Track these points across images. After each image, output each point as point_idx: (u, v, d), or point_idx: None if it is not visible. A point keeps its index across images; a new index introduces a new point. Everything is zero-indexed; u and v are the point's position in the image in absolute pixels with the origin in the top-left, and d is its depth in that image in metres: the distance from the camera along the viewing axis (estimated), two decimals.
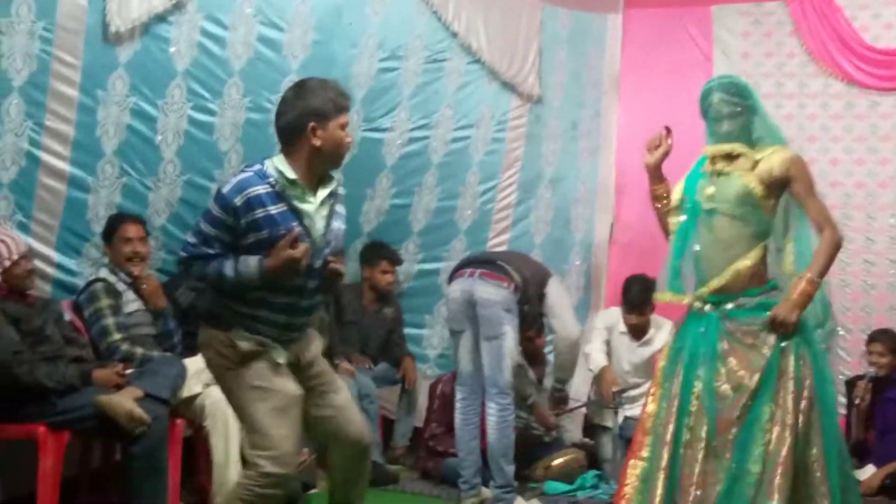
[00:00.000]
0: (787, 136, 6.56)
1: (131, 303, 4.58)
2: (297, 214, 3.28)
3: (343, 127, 3.33)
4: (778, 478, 3.42)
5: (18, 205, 4.49)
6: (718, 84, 3.74)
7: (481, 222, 6.50)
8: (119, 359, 4.36)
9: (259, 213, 3.22)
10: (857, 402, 5.80)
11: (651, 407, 3.72)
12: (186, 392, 4.36)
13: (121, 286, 4.57)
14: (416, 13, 5.93)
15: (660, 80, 6.93)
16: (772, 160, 3.66)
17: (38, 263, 4.48)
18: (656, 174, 3.83)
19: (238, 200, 3.21)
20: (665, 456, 3.57)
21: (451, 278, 5.26)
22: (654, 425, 3.67)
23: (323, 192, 3.35)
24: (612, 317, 5.98)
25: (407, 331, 6.24)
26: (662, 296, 3.82)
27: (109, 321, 4.44)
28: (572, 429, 6.23)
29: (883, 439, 5.82)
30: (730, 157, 3.69)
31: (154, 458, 4.04)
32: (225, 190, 3.26)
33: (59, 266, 4.67)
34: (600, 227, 7.14)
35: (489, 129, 6.41)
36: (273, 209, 3.23)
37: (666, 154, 3.80)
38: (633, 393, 5.71)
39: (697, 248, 3.68)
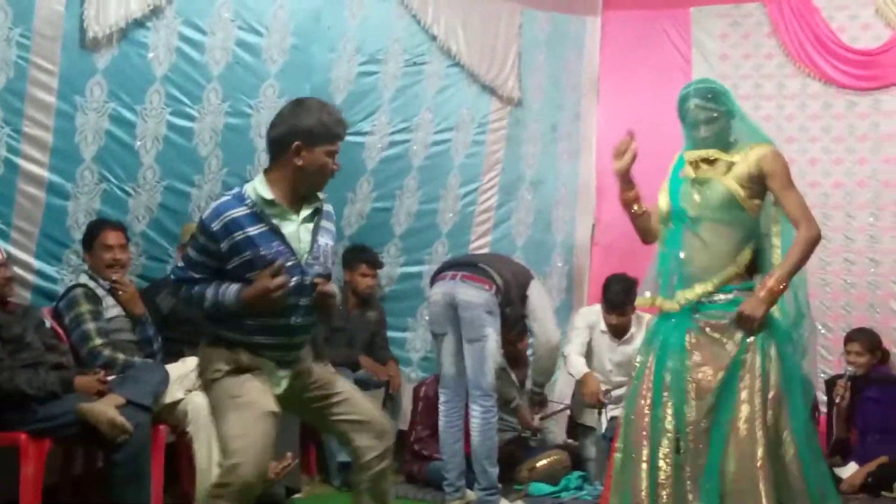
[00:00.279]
0: (758, 129, 6.64)
1: (111, 308, 4.56)
2: (278, 234, 3.27)
3: (331, 154, 3.32)
4: (762, 483, 3.42)
5: None
6: (695, 90, 3.73)
7: (463, 225, 6.51)
8: (101, 364, 4.34)
9: (238, 235, 3.23)
10: (836, 400, 5.83)
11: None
12: (169, 398, 4.35)
13: (100, 291, 4.55)
14: (395, 17, 5.93)
15: (639, 82, 6.95)
16: (748, 159, 3.65)
17: (18, 270, 4.47)
18: (626, 180, 3.78)
19: (216, 225, 3.23)
20: (644, 450, 3.58)
21: (432, 281, 5.26)
22: (626, 418, 3.69)
23: (307, 210, 3.34)
24: (592, 315, 5.97)
25: (390, 334, 6.23)
26: (645, 301, 3.82)
27: (90, 326, 4.43)
28: (556, 430, 6.24)
29: (864, 438, 5.86)
30: (709, 162, 3.70)
31: (136, 465, 4.03)
32: (205, 216, 3.29)
33: (38, 273, 4.66)
34: (581, 229, 7.15)
35: (469, 131, 6.41)
36: (252, 230, 3.23)
37: (633, 159, 3.75)
38: (617, 392, 5.71)
39: (683, 255, 3.68)
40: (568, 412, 6.29)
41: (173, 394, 4.35)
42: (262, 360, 3.31)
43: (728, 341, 3.58)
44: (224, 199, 3.31)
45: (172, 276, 3.41)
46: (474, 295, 4.99)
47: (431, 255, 6.35)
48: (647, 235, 3.90)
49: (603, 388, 5.68)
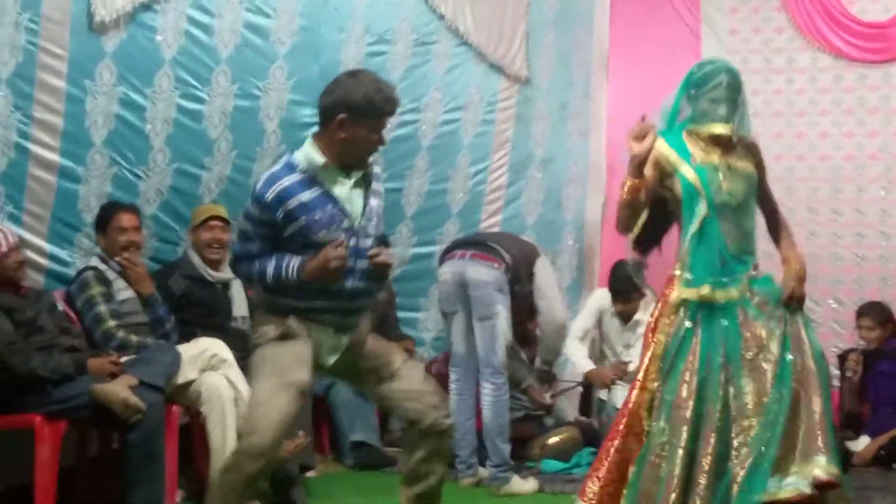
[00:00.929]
0: (776, 111, 6.64)
1: (122, 290, 4.57)
2: (331, 197, 3.32)
3: (374, 129, 3.34)
4: (820, 433, 3.48)
5: (9, 196, 4.48)
6: (728, 69, 3.72)
7: (473, 204, 6.51)
8: (115, 346, 4.37)
9: (292, 203, 3.27)
10: (848, 374, 5.84)
11: (653, 385, 3.69)
12: (181, 379, 4.37)
13: (111, 274, 4.56)
14: None
15: (648, 59, 6.94)
16: (750, 148, 3.76)
17: (30, 254, 4.48)
18: (641, 166, 3.64)
19: (269, 196, 3.27)
20: (684, 436, 3.56)
21: (441, 260, 5.28)
22: (664, 404, 3.64)
23: (357, 173, 3.39)
24: (604, 300, 5.97)
25: (402, 314, 6.25)
26: (696, 291, 3.69)
27: (102, 308, 4.45)
28: (567, 407, 6.26)
29: (876, 411, 5.87)
30: (717, 143, 3.69)
31: (150, 446, 4.05)
32: (257, 188, 3.32)
33: (51, 256, 4.67)
34: (592, 207, 7.16)
35: (478, 111, 6.41)
36: (305, 196, 3.28)
37: (652, 144, 3.64)
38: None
39: (724, 242, 3.68)
40: (580, 389, 6.31)
41: (186, 374, 4.37)
42: (318, 325, 3.36)
43: (772, 317, 3.62)
44: (274, 169, 3.35)
45: (232, 253, 3.51)
46: (484, 273, 5.00)
47: (442, 234, 6.35)
48: (629, 225, 3.79)
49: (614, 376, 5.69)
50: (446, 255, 5.26)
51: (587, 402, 6.27)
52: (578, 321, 5.98)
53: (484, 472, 5.11)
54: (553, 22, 6.77)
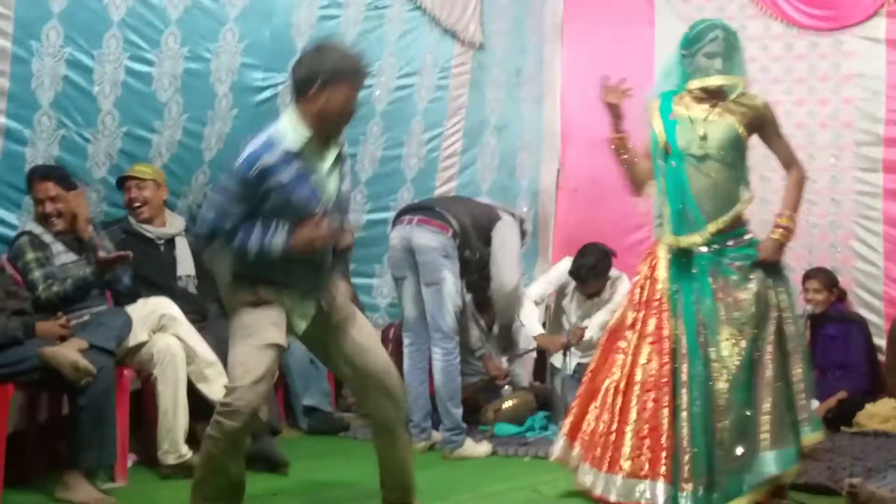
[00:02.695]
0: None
1: (62, 254, 4.44)
2: (309, 179, 3.36)
3: (352, 93, 3.38)
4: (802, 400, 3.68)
5: None
6: (723, 25, 3.86)
7: (428, 171, 6.51)
8: (51, 307, 4.27)
9: (272, 182, 3.31)
10: None
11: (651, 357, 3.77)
12: (132, 341, 4.35)
13: (48, 237, 4.42)
14: None
15: (602, 26, 6.96)
16: (744, 104, 3.83)
17: None
18: (617, 114, 3.85)
19: (252, 174, 3.30)
20: (665, 397, 3.64)
21: (392, 226, 5.28)
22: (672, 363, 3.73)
23: (332, 155, 3.43)
24: (565, 275, 5.94)
25: (356, 280, 6.24)
26: (666, 238, 3.85)
27: (37, 275, 4.33)
28: (522, 372, 6.29)
29: (825, 375, 5.95)
30: (706, 99, 3.74)
31: (101, 409, 4.03)
32: (238, 165, 3.34)
33: None
34: (546, 174, 7.18)
35: (433, 76, 6.39)
36: (285, 176, 3.32)
37: (625, 95, 3.83)
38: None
39: (692, 193, 3.74)
40: (535, 354, 6.34)
41: (137, 336, 4.35)
42: (286, 292, 3.42)
43: (748, 281, 3.72)
44: (255, 146, 3.35)
45: (203, 229, 3.43)
46: (430, 238, 5.01)
47: (397, 201, 6.34)
48: (639, 186, 3.97)
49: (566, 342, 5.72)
50: (396, 220, 5.27)
51: (541, 367, 6.30)
52: (538, 286, 5.98)
53: (438, 435, 5.13)
54: None
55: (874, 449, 5.05)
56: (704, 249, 3.78)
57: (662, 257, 3.84)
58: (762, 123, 3.86)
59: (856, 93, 6.45)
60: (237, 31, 5.26)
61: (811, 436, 3.77)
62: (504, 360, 6.03)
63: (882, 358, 6.02)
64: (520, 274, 5.40)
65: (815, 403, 5.67)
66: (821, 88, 6.56)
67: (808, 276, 6.04)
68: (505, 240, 5.29)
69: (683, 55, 3.85)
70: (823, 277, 6.00)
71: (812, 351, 5.92)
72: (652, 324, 3.78)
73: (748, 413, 3.65)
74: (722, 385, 3.66)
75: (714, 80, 3.78)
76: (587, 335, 5.65)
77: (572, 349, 5.69)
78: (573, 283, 5.83)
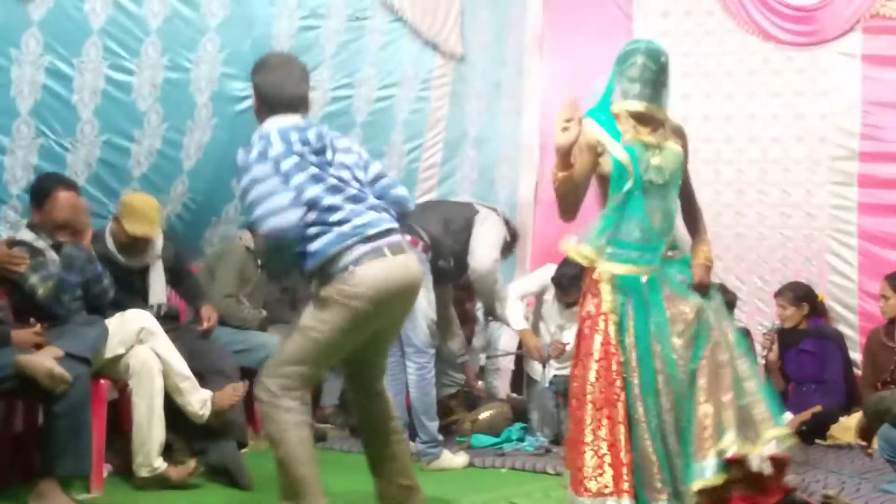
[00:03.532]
0: (706, 93, 6.74)
1: (55, 262, 4.39)
2: None
3: None
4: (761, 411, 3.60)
5: None
6: (647, 49, 3.72)
7: (407, 182, 6.49)
8: (55, 305, 4.26)
9: None
10: (763, 353, 5.96)
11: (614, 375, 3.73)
12: (109, 353, 4.33)
13: (41, 244, 4.39)
14: None
15: (581, 39, 7.00)
16: (677, 130, 3.81)
17: None
18: (568, 158, 3.56)
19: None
20: (620, 413, 3.64)
21: None
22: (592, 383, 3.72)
23: None
24: (547, 281, 5.97)
25: None
26: (620, 268, 3.74)
27: (34, 280, 4.26)
28: (498, 384, 6.31)
29: (800, 388, 5.99)
30: (644, 123, 3.74)
31: (76, 418, 4.00)
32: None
33: None
34: (525, 187, 7.21)
35: (413, 87, 6.42)
36: None
37: (578, 136, 3.53)
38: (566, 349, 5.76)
39: (648, 222, 3.73)
40: (513, 366, 6.36)
41: (114, 349, 4.34)
42: None
43: (693, 295, 3.71)
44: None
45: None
46: None
47: None
48: (571, 211, 3.75)
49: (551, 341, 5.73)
50: None
51: (519, 378, 6.32)
52: (521, 284, 5.98)
53: (413, 447, 5.13)
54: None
55: (848, 462, 5.08)
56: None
57: (606, 277, 3.78)
58: (686, 149, 3.83)
59: (831, 107, 6.52)
60: (217, 40, 5.26)
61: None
62: (483, 357, 6.03)
63: (858, 372, 6.04)
64: (495, 256, 5.38)
65: (788, 416, 5.75)
66: (797, 103, 6.62)
67: (778, 293, 6.09)
68: (482, 228, 5.32)
69: (615, 74, 3.81)
70: (791, 293, 6.04)
71: (784, 365, 6.02)
72: (597, 340, 3.74)
73: (689, 425, 3.64)
74: (667, 398, 3.65)
75: (630, 106, 3.73)
76: (568, 349, 5.67)
77: (550, 361, 5.71)
78: (553, 291, 5.86)
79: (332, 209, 3.36)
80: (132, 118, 5.05)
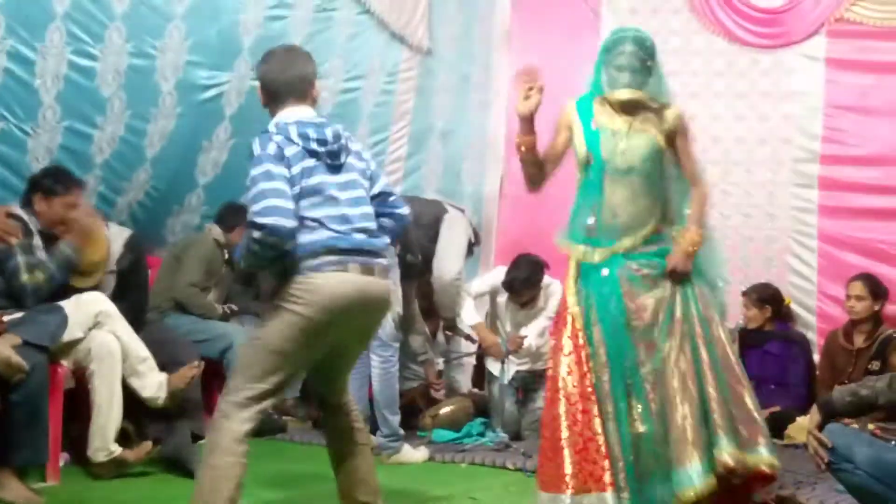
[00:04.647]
0: (670, 92, 6.74)
1: (39, 250, 4.35)
2: None
3: None
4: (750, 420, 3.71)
5: None
6: (634, 37, 3.78)
7: None
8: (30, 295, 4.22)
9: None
10: None
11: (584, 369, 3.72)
12: (67, 336, 4.28)
13: (33, 226, 4.36)
14: None
15: (549, 35, 7.01)
16: (666, 116, 3.81)
17: None
18: (529, 122, 3.73)
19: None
20: (594, 407, 3.65)
21: None
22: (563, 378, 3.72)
23: None
24: (498, 285, 5.97)
25: None
26: (572, 249, 3.82)
27: (20, 260, 4.23)
28: (461, 379, 6.31)
29: (760, 388, 6.01)
30: (628, 111, 3.75)
31: (33, 407, 3.96)
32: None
33: None
34: (490, 181, 7.21)
35: (379, 80, 6.39)
36: None
37: (539, 102, 3.69)
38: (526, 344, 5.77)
39: (610, 206, 3.73)
40: (474, 360, 6.37)
41: (72, 333, 4.29)
42: None
43: (658, 288, 3.71)
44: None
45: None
46: None
47: None
48: (537, 181, 3.88)
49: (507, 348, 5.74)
50: None
51: (480, 373, 6.33)
52: (474, 284, 6.01)
53: (375, 441, 5.12)
54: None
55: (804, 461, 5.11)
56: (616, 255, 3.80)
57: (572, 268, 3.82)
58: (676, 135, 3.83)
59: (795, 110, 6.56)
60: (183, 28, 5.20)
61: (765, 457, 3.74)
62: (441, 361, 6.03)
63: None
64: (459, 266, 5.42)
65: None
66: (761, 105, 6.67)
67: (745, 292, 6.15)
68: (450, 233, 5.35)
69: (602, 63, 3.85)
70: (755, 294, 6.11)
71: (746, 365, 6.05)
72: (566, 335, 3.76)
73: (656, 427, 3.65)
74: (635, 397, 3.66)
75: (619, 95, 3.76)
76: (526, 343, 5.69)
77: (510, 357, 5.72)
78: (503, 293, 5.87)
79: (323, 222, 3.28)
80: (95, 104, 4.99)
